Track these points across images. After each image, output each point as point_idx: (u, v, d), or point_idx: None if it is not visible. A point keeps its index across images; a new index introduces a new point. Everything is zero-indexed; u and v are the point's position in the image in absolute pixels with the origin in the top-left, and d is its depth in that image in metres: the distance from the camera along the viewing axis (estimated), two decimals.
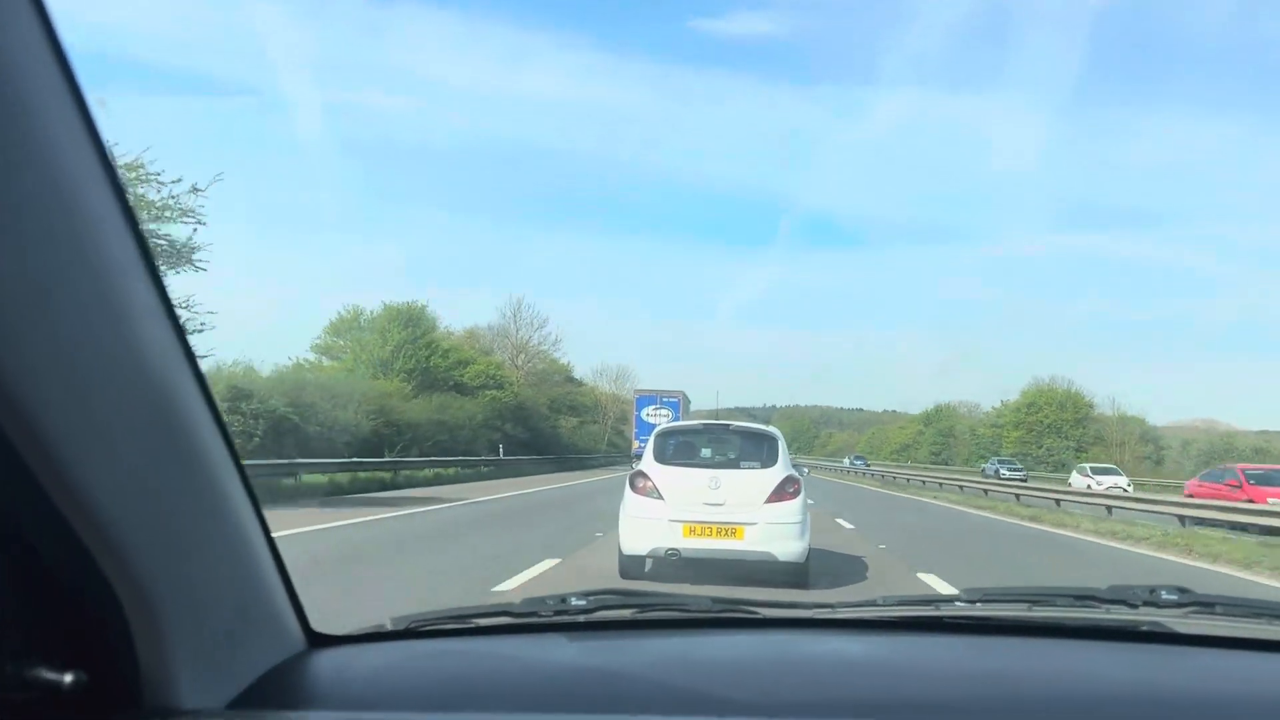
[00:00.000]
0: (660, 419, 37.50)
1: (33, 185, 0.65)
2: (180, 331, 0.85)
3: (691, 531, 7.78)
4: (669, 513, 7.83)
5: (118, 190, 0.75)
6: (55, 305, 0.68)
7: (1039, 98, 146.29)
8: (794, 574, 7.79)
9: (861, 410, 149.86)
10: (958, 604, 1.50)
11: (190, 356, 0.87)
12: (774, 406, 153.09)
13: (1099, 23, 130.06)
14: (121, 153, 15.01)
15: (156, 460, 0.85)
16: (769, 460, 8.16)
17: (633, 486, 8.10)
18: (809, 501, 8.55)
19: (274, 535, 1.12)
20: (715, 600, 1.46)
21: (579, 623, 1.40)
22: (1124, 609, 1.44)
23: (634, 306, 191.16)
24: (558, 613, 1.41)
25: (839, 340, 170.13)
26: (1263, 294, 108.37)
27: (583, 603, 1.43)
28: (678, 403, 43.58)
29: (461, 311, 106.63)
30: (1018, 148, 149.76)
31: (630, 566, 8.06)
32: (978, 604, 1.50)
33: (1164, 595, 1.44)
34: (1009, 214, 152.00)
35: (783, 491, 7.93)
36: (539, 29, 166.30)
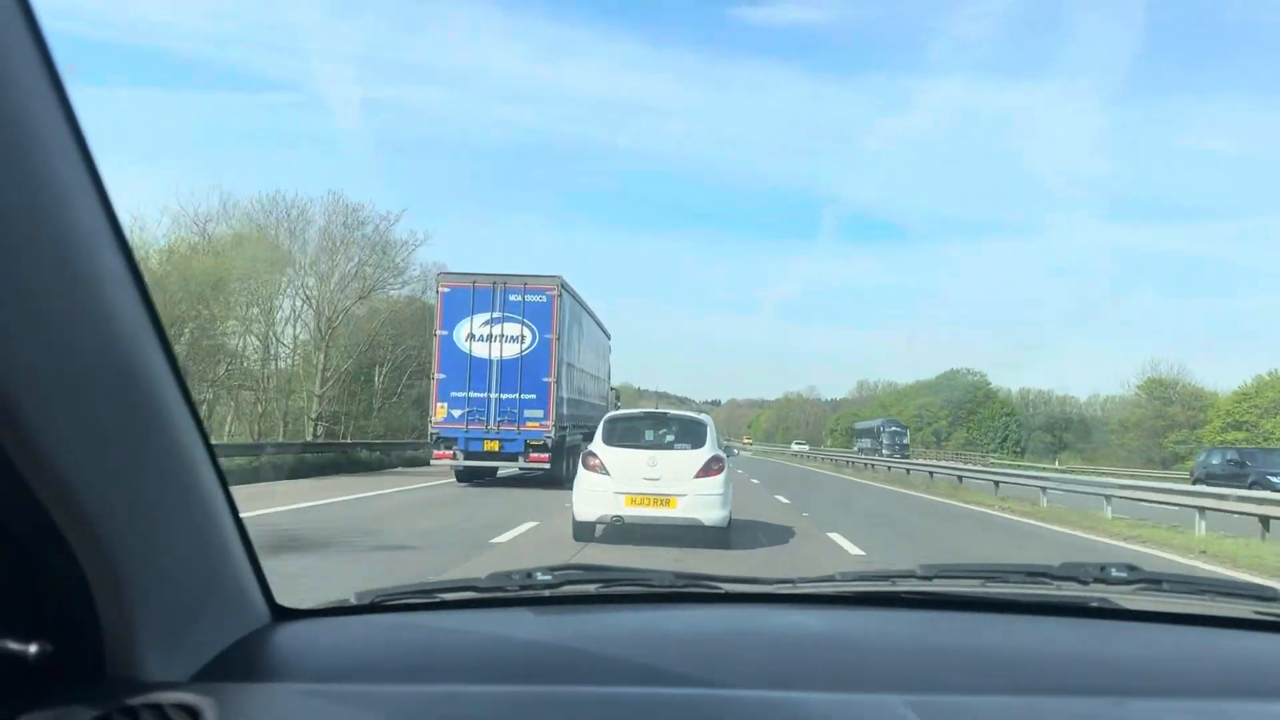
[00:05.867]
0: (505, 348, 18.21)
1: (26, 194, 0.65)
2: (149, 303, 0.82)
3: (633, 501, 9.39)
4: (614, 485, 9.42)
5: (86, 157, 0.72)
6: (25, 272, 0.67)
7: (1092, 86, 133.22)
8: (717, 536, 9.40)
9: None
10: (913, 580, 1.50)
11: (159, 328, 0.84)
12: (829, 400, 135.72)
13: (1155, 6, 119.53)
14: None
15: (124, 430, 0.82)
16: (698, 442, 9.75)
17: (584, 464, 9.69)
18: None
19: None
20: (678, 575, 1.48)
21: (544, 597, 1.40)
22: (1075, 585, 1.45)
23: (671, 303, 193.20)
24: (523, 587, 1.42)
25: (886, 335, 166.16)
26: None
27: (548, 578, 1.43)
28: (547, 307, 18.25)
29: None
30: (1069, 138, 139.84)
31: (582, 530, 9.68)
32: (934, 580, 1.50)
33: (1114, 573, 1.46)
34: (1060, 207, 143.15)
35: (709, 468, 9.52)
36: (578, 21, 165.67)
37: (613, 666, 1.13)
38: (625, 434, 9.94)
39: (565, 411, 18.75)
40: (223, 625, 1.08)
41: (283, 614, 1.22)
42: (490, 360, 18.16)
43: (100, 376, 0.77)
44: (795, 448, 78.19)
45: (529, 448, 17.64)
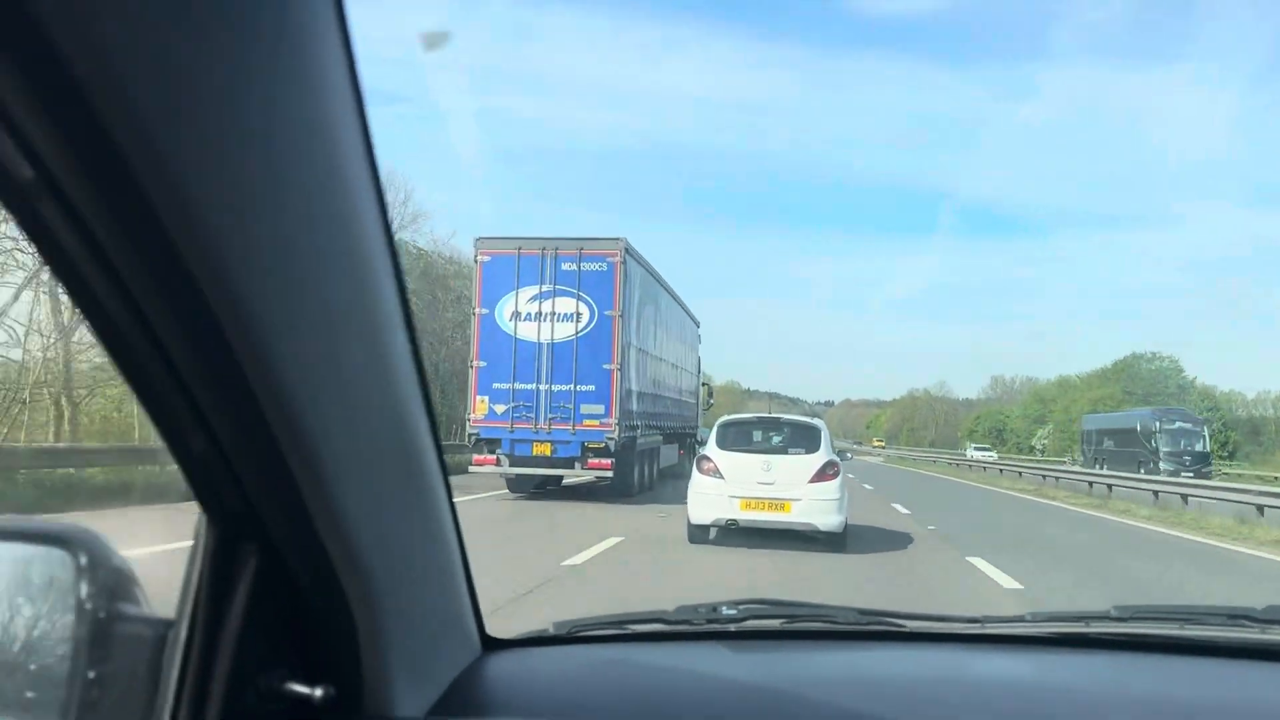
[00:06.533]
0: (557, 329, 15.20)
1: (321, 198, 0.71)
2: (415, 342, 0.90)
3: (748, 505, 9.87)
4: (728, 489, 9.94)
5: (382, 207, 0.80)
6: (337, 330, 0.76)
7: (1228, 69, 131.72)
8: (833, 542, 9.91)
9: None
10: (1108, 621, 1.52)
11: (420, 366, 0.93)
12: (962, 398, 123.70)
13: None
14: None
15: (397, 477, 0.93)
16: (813, 447, 10.25)
17: (698, 468, 10.39)
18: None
19: None
20: (862, 612, 1.54)
21: (730, 631, 1.50)
22: None
23: (779, 302, 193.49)
24: (710, 620, 1.51)
25: (1009, 330, 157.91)
26: None
27: (733, 612, 1.52)
28: (607, 276, 15.43)
29: None
30: (1205, 124, 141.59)
31: (696, 534, 10.31)
32: (1129, 620, 1.52)
33: None
34: (1195, 196, 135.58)
35: (824, 473, 9.95)
36: (684, 21, 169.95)
37: (809, 709, 1.20)
38: (738, 438, 10.68)
39: (634, 407, 15.47)
40: (452, 658, 1.18)
41: (491, 644, 1.32)
42: (539, 344, 15.77)
43: (384, 425, 0.88)
44: (975, 454, 59.25)
45: (587, 451, 14.23)
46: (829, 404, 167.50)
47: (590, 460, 15.44)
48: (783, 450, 10.32)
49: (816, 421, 11.24)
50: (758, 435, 10.78)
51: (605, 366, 15.36)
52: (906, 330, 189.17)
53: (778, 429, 10.89)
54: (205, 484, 0.80)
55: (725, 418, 11.53)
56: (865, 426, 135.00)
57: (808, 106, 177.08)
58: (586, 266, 15.55)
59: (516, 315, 15.48)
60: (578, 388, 15.33)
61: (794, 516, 9.76)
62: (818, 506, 9.75)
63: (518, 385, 15.38)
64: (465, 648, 1.21)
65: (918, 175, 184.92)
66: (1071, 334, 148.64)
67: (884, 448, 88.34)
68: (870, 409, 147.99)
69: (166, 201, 0.58)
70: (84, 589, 0.81)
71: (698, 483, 10.21)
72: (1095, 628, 1.47)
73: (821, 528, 9.75)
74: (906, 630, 1.48)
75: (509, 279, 15.52)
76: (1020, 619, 1.54)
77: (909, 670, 1.37)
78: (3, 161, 0.55)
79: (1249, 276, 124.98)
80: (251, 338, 0.66)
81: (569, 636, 1.44)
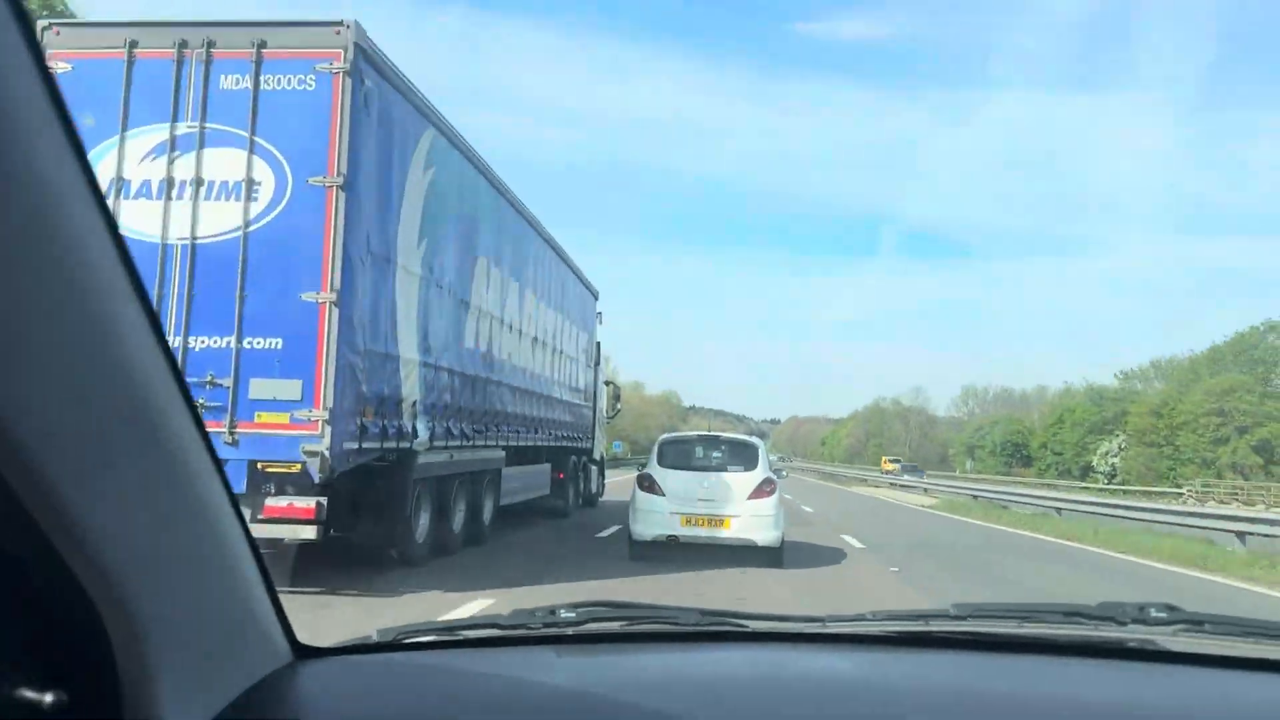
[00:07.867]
0: (204, 216, 7.21)
1: (15, 197, 0.69)
2: (163, 339, 0.89)
3: (688, 521, 10.82)
4: (670, 506, 10.96)
5: (99, 198, 0.78)
6: (42, 316, 0.73)
7: (1163, 98, 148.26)
8: (771, 556, 11.17)
9: None
10: (947, 619, 1.64)
11: (173, 362, 0.91)
12: (946, 416, 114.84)
13: (1227, 17, 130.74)
14: None
15: (145, 473, 0.90)
16: (751, 464, 11.40)
17: (640, 485, 11.46)
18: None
19: None
20: (704, 613, 1.64)
21: (567, 635, 1.55)
22: (1113, 626, 1.59)
23: (726, 320, 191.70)
24: (546, 625, 1.56)
25: (953, 355, 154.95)
26: None
27: (571, 615, 1.58)
28: (318, 102, 7.44)
29: None
30: (1141, 151, 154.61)
31: (638, 549, 11.40)
32: (968, 619, 1.63)
33: (1153, 613, 1.58)
34: (1131, 222, 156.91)
35: (761, 490, 11.02)
36: (639, 41, 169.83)
37: (637, 713, 1.22)
38: (679, 455, 11.70)
39: (407, 391, 7.82)
40: (243, 666, 1.13)
41: (304, 652, 1.29)
42: (166, 247, 7.60)
43: (106, 401, 0.82)
44: None
45: (263, 479, 7.43)
46: (775, 421, 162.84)
47: (268, 504, 7.42)
48: (722, 468, 11.37)
49: (755, 440, 12.54)
50: (699, 453, 11.77)
51: (306, 298, 7.29)
52: (855, 349, 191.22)
53: (717, 447, 11.89)
54: None
55: (666, 435, 12.73)
56: (820, 443, 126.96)
57: (756, 128, 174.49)
58: (271, 83, 7.72)
59: (121, 185, 7.69)
60: (244, 343, 7.08)
61: (733, 532, 10.77)
62: (755, 523, 10.80)
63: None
64: (265, 655, 1.18)
65: (860, 198, 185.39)
66: (1017, 353, 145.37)
67: (898, 471, 57.22)
68: (821, 425, 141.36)
69: None
70: None
71: (640, 500, 11.33)
72: (935, 626, 1.60)
73: (759, 543, 10.92)
74: (749, 630, 1.59)
75: (110, 109, 7.63)
76: (862, 618, 1.65)
77: (746, 670, 1.44)
78: None
79: (1182, 301, 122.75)
80: None
81: (393, 644, 1.45)
